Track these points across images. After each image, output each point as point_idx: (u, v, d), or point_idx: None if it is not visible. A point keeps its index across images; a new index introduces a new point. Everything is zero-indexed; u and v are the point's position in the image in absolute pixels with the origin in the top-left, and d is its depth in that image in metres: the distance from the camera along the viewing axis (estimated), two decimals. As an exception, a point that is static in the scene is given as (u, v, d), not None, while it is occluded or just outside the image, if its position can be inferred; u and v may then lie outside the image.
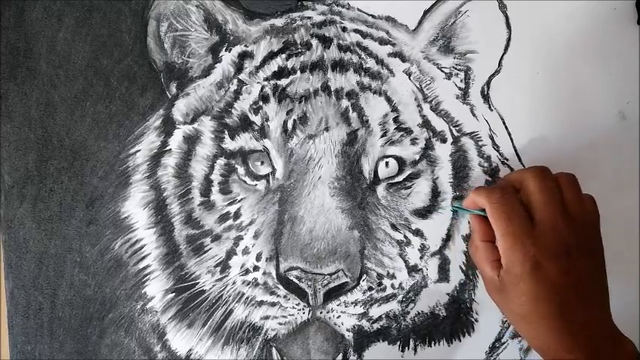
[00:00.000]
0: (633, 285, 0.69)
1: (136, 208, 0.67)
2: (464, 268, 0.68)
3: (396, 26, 0.68)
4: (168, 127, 0.67)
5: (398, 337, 0.67)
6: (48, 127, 0.67)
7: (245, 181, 0.65)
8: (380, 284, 0.65)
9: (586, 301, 0.55)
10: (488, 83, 0.69)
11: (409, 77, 0.67)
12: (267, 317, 0.65)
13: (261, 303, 0.65)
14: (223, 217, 0.66)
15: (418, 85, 0.67)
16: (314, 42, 0.67)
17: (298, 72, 0.66)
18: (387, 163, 0.65)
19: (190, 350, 0.67)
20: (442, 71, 0.68)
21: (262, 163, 0.65)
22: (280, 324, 0.65)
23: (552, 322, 0.54)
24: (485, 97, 0.69)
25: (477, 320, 0.68)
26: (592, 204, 0.59)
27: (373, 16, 0.68)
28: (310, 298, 0.63)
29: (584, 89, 0.69)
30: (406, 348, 0.68)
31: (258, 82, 0.66)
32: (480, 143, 0.68)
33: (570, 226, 0.56)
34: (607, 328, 0.56)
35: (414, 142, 0.66)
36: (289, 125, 0.64)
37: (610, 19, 0.69)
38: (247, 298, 0.65)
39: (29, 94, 0.67)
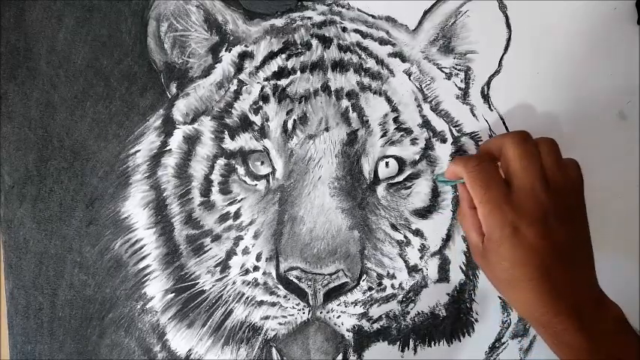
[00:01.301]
0: (633, 284, 0.69)
1: (136, 208, 0.67)
2: (464, 268, 0.68)
3: (396, 26, 0.68)
4: (168, 127, 0.67)
5: (398, 337, 0.67)
6: (48, 128, 0.67)
7: (245, 181, 0.65)
8: (380, 284, 0.65)
9: (567, 265, 0.55)
10: (488, 83, 0.69)
11: (409, 77, 0.67)
12: (267, 317, 0.65)
13: (261, 303, 0.65)
14: (223, 217, 0.66)
15: (418, 85, 0.67)
16: (314, 42, 0.67)
17: (298, 72, 0.66)
18: (387, 163, 0.65)
19: (190, 350, 0.67)
20: (442, 71, 0.68)
21: (262, 163, 0.65)
22: (280, 324, 0.65)
23: (534, 285, 0.55)
24: (485, 97, 0.69)
25: (476, 320, 0.68)
26: (575, 169, 0.59)
27: (373, 17, 0.68)
28: (310, 298, 0.63)
29: (584, 89, 0.69)
30: (406, 348, 0.68)
31: (258, 82, 0.66)
32: (480, 143, 0.68)
33: (548, 191, 0.56)
34: (591, 292, 0.56)
35: (414, 142, 0.66)
36: (289, 125, 0.64)
37: (610, 19, 0.69)
38: (247, 298, 0.65)
39: (29, 94, 0.67)
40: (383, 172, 0.65)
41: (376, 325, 0.66)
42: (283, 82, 0.66)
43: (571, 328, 0.54)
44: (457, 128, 0.68)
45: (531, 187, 0.56)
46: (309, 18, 0.68)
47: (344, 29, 0.67)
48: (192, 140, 0.67)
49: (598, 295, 0.57)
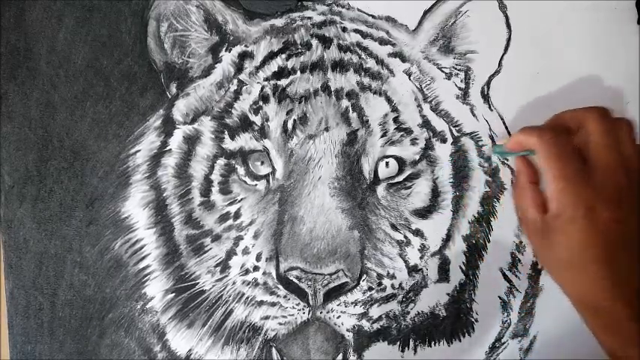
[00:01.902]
0: (633, 285, 0.69)
1: (136, 208, 0.67)
2: (464, 268, 0.68)
3: (396, 26, 0.68)
4: (168, 127, 0.67)
5: (398, 337, 0.67)
6: (48, 128, 0.67)
7: (245, 181, 0.65)
8: (380, 284, 0.65)
9: (634, 252, 0.53)
10: (488, 83, 0.69)
11: (409, 77, 0.67)
12: (267, 317, 0.65)
13: (261, 303, 0.65)
14: (223, 217, 0.66)
15: (418, 85, 0.67)
16: (314, 42, 0.67)
17: (298, 72, 0.66)
18: (387, 163, 0.65)
19: (190, 350, 0.67)
20: (442, 71, 0.68)
21: (262, 163, 0.65)
22: (280, 324, 0.65)
23: (598, 269, 0.53)
24: (485, 97, 0.69)
25: (477, 320, 0.68)
26: None
27: (373, 17, 0.68)
28: (310, 298, 0.63)
29: (585, 89, 0.69)
30: (406, 348, 0.68)
31: (258, 82, 0.66)
32: (480, 143, 0.68)
33: (626, 172, 0.54)
34: None
35: (414, 142, 0.66)
36: (289, 125, 0.64)
37: (610, 19, 0.69)
38: (247, 298, 0.65)
39: (29, 94, 0.67)
40: (383, 172, 0.65)
41: (376, 325, 0.66)
42: (283, 82, 0.66)
43: (626, 317, 0.52)
44: (457, 128, 0.68)
45: (612, 166, 0.54)
46: (309, 18, 0.68)
47: (344, 29, 0.67)
48: (192, 140, 0.67)
49: None
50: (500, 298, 0.69)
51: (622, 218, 0.53)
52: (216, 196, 0.66)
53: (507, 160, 0.68)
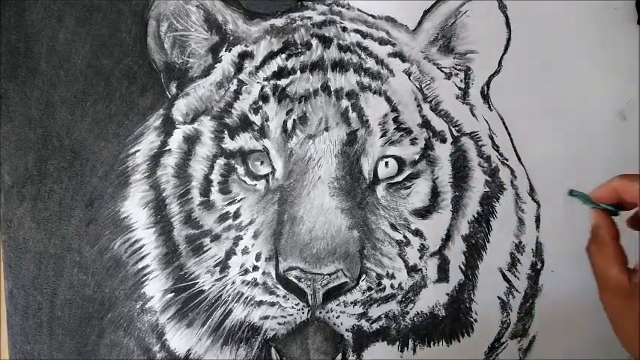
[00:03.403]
0: (633, 285, 0.69)
1: (135, 207, 0.67)
2: (463, 268, 0.68)
3: (396, 26, 0.68)
4: (168, 127, 0.67)
5: (397, 337, 0.67)
6: (48, 127, 0.67)
7: (245, 181, 0.65)
8: (379, 284, 0.65)
9: None
10: (488, 83, 0.69)
11: (409, 77, 0.67)
12: (266, 317, 0.65)
13: (260, 303, 0.65)
14: (223, 217, 0.66)
15: (418, 85, 0.67)
16: (314, 42, 0.67)
17: (298, 72, 0.66)
18: (386, 163, 0.65)
19: (189, 350, 0.67)
20: (442, 71, 0.68)
21: (262, 163, 0.65)
22: (279, 324, 0.65)
23: None
24: (485, 97, 0.69)
25: (476, 320, 0.68)
26: None
27: (373, 17, 0.69)
28: (309, 298, 0.63)
29: (584, 89, 0.69)
30: (405, 348, 0.67)
31: (258, 82, 0.66)
32: (480, 143, 0.68)
33: None
34: None
35: (413, 142, 0.66)
36: (289, 125, 0.64)
37: (610, 19, 0.69)
38: (246, 297, 0.65)
39: (29, 94, 0.67)
40: (382, 172, 0.65)
41: (375, 325, 0.66)
42: (283, 82, 0.66)
43: None
44: (457, 128, 0.68)
45: None
46: (309, 18, 0.68)
47: (344, 29, 0.67)
48: (191, 140, 0.67)
49: None
50: (499, 298, 0.69)
51: None
52: (215, 195, 0.66)
53: (507, 160, 0.68)
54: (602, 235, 0.53)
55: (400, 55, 0.68)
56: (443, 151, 0.67)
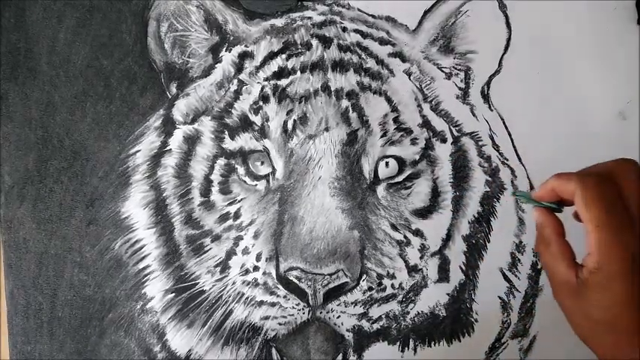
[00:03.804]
0: (634, 285, 0.69)
1: (136, 208, 0.67)
2: (464, 268, 0.68)
3: (396, 26, 0.68)
4: (168, 127, 0.67)
5: (398, 337, 0.67)
6: (48, 128, 0.67)
7: (245, 181, 0.65)
8: (380, 284, 0.65)
9: None
10: (488, 83, 0.69)
11: (409, 77, 0.67)
12: (267, 317, 0.65)
13: (261, 303, 0.65)
14: (223, 217, 0.66)
15: (418, 85, 0.67)
16: (314, 42, 0.67)
17: (298, 72, 0.66)
18: (387, 163, 0.65)
19: (190, 350, 0.67)
20: (442, 71, 0.68)
21: (262, 163, 0.65)
22: (280, 324, 0.65)
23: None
24: (485, 97, 0.69)
25: (476, 320, 0.68)
26: None
27: (373, 16, 0.69)
28: (310, 298, 0.63)
29: (584, 89, 0.69)
30: (406, 348, 0.67)
31: (258, 82, 0.66)
32: (480, 143, 0.68)
33: None
34: None
35: (414, 142, 0.66)
36: (289, 125, 0.64)
37: (610, 19, 0.69)
38: (247, 298, 0.65)
39: (30, 94, 0.67)
40: (383, 172, 0.65)
41: (376, 325, 0.66)
42: (283, 82, 0.66)
43: None
44: (457, 128, 0.68)
45: None
46: (309, 18, 0.68)
47: (344, 29, 0.67)
48: (192, 140, 0.67)
49: None
50: (500, 298, 0.69)
51: None
52: (216, 196, 0.66)
53: (508, 160, 0.68)
54: (547, 233, 0.53)
55: (400, 55, 0.68)
56: (443, 151, 0.67)
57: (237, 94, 0.66)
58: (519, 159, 0.69)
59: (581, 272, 0.49)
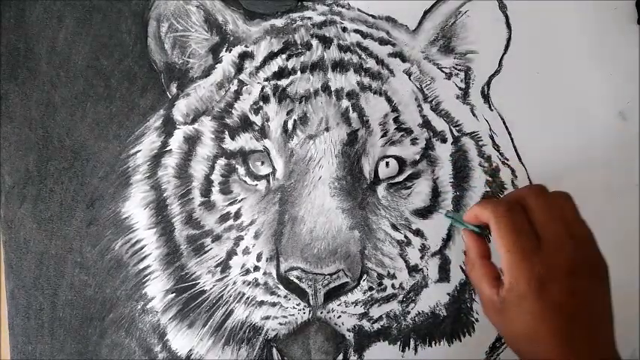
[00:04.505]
0: (633, 285, 0.69)
1: (136, 208, 0.67)
2: (464, 267, 0.68)
3: (396, 26, 0.68)
4: (168, 127, 0.67)
5: (398, 337, 0.67)
6: (48, 128, 0.67)
7: (245, 182, 0.65)
8: (380, 284, 0.65)
9: (589, 324, 0.53)
10: (488, 83, 0.69)
11: (409, 77, 0.67)
12: (267, 317, 0.65)
13: (261, 303, 0.65)
14: (224, 218, 0.66)
15: (418, 85, 0.67)
16: (314, 42, 0.67)
17: (298, 72, 0.66)
18: (387, 163, 0.65)
19: (191, 350, 0.67)
20: (442, 71, 0.68)
21: (263, 163, 0.65)
22: (281, 324, 0.65)
23: (556, 341, 0.52)
24: (486, 97, 0.69)
25: (477, 320, 0.68)
26: (586, 225, 0.57)
27: (373, 17, 0.69)
28: (311, 298, 0.63)
29: (584, 89, 0.69)
30: (407, 348, 0.68)
31: (258, 83, 0.66)
32: (481, 143, 0.68)
33: (574, 244, 0.54)
34: (609, 352, 0.54)
35: (414, 142, 0.66)
36: (289, 125, 0.64)
37: (610, 19, 0.69)
38: (248, 298, 0.65)
39: (30, 94, 0.67)
40: (383, 172, 0.65)
41: (377, 325, 0.66)
42: (283, 82, 0.66)
43: None
44: (457, 128, 0.68)
45: (559, 239, 0.54)
46: (310, 18, 0.68)
47: (344, 29, 0.67)
48: (192, 140, 0.67)
49: (615, 357, 0.54)
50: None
51: (575, 290, 0.53)
52: (216, 196, 0.66)
53: (508, 160, 0.68)
54: (472, 255, 0.59)
55: (400, 55, 0.68)
56: (443, 151, 0.67)
57: (238, 94, 0.66)
58: (519, 159, 0.69)
59: (501, 291, 0.54)
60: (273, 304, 0.65)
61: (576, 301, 0.53)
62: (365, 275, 0.65)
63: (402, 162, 0.66)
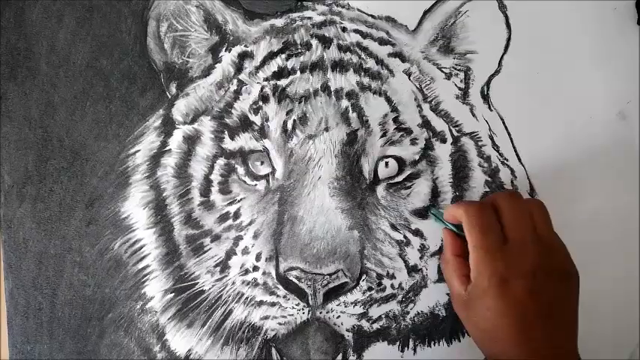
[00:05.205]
0: (633, 285, 0.69)
1: (135, 208, 0.67)
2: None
3: (395, 26, 0.68)
4: (168, 127, 0.67)
5: (398, 338, 0.67)
6: (48, 127, 0.67)
7: (245, 181, 0.65)
8: (380, 284, 0.65)
9: (549, 323, 0.55)
10: (488, 83, 0.69)
11: (409, 77, 0.67)
12: (266, 317, 0.65)
13: (260, 303, 0.65)
14: (223, 217, 0.66)
15: (418, 86, 0.67)
16: (314, 42, 0.67)
17: (298, 72, 0.66)
18: (386, 163, 0.65)
19: (190, 350, 0.67)
20: (442, 71, 0.68)
21: (262, 163, 0.65)
22: (280, 324, 0.65)
23: (514, 338, 0.55)
24: (485, 97, 0.69)
25: (476, 320, 0.68)
26: (555, 234, 0.59)
27: (373, 17, 0.69)
28: (310, 298, 0.63)
29: (584, 89, 0.69)
30: (406, 348, 0.67)
31: (258, 83, 0.66)
32: (480, 143, 0.68)
33: (539, 247, 0.56)
34: (568, 352, 0.56)
35: (413, 142, 0.66)
36: (289, 125, 0.64)
37: (610, 19, 0.69)
38: (247, 298, 0.65)
39: (29, 94, 0.67)
40: (383, 172, 0.65)
41: (376, 325, 0.66)
42: (283, 82, 0.66)
43: None
44: (457, 128, 0.68)
45: (524, 240, 0.57)
46: (309, 18, 0.68)
47: (344, 29, 0.67)
48: (192, 140, 0.67)
49: (574, 358, 0.56)
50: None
51: (535, 289, 0.55)
52: (215, 196, 0.66)
53: (507, 160, 0.68)
54: (446, 252, 0.63)
55: (400, 55, 0.68)
56: (443, 151, 0.67)
57: (237, 94, 0.66)
58: (519, 159, 0.69)
59: (469, 287, 0.58)
60: (273, 304, 0.65)
61: (534, 300, 0.55)
62: (364, 275, 0.65)
63: (401, 162, 0.66)
